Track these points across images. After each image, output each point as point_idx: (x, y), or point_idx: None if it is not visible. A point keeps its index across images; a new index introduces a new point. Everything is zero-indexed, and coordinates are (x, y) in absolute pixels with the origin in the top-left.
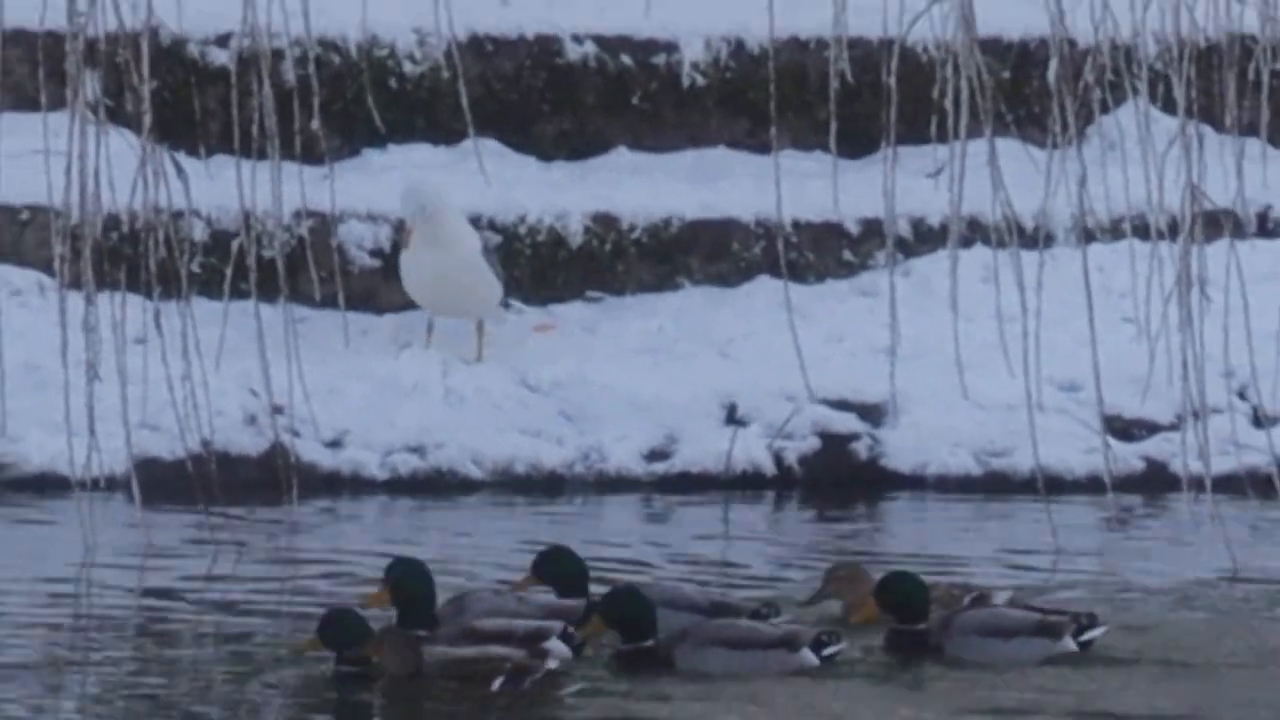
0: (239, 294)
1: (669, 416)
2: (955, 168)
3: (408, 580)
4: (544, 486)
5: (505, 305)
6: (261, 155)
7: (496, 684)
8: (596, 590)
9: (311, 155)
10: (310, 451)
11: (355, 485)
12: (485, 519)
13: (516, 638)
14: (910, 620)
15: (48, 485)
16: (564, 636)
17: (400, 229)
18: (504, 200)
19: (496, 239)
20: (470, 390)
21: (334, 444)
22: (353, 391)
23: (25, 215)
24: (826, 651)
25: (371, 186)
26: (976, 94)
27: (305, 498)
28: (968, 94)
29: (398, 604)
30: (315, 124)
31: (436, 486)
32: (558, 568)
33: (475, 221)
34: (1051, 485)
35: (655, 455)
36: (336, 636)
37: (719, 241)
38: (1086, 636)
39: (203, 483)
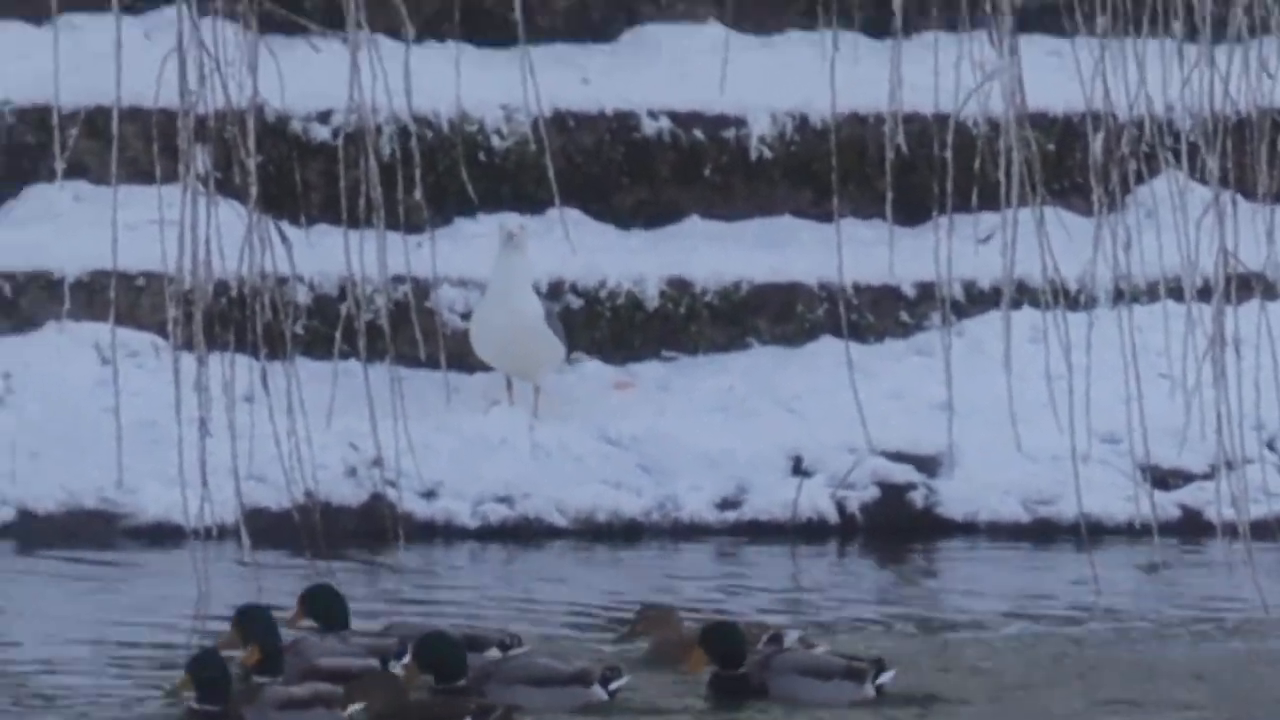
0: (340, 354)
1: (739, 468)
2: (1007, 234)
3: (257, 623)
4: (623, 534)
5: (570, 360)
6: (366, 223)
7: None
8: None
9: (408, 224)
10: (407, 502)
11: (448, 533)
12: (569, 564)
13: (353, 674)
14: (732, 666)
15: (163, 535)
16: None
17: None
18: (585, 266)
19: (556, 306)
20: (554, 444)
21: (429, 494)
22: (445, 446)
23: (141, 281)
24: (613, 686)
25: (463, 253)
26: (1023, 166)
27: (401, 545)
28: (1017, 166)
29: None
30: (417, 194)
31: (523, 534)
32: (321, 604)
33: (558, 286)
34: (1093, 530)
35: (727, 504)
36: (208, 675)
37: (785, 304)
38: (880, 681)
39: (307, 531)
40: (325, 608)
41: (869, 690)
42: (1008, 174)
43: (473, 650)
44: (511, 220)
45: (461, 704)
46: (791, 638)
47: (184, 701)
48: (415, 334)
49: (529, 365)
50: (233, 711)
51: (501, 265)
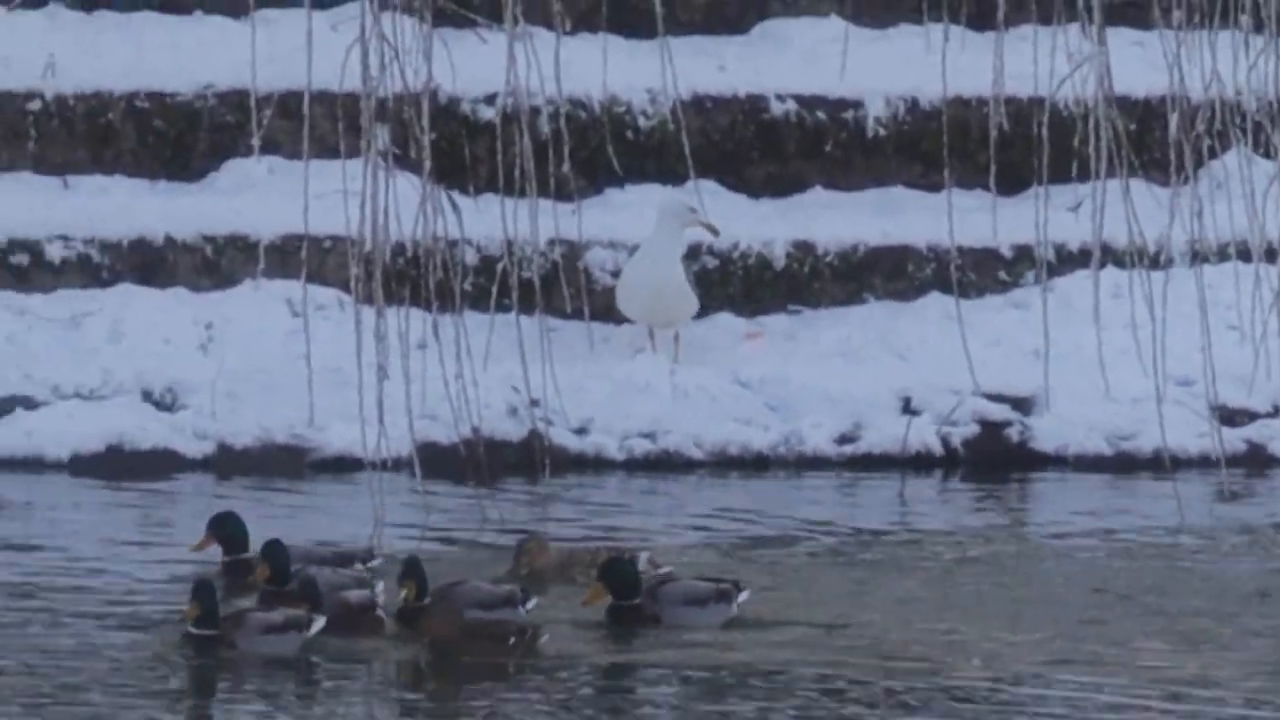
0: (503, 308)
1: (855, 407)
2: (1095, 202)
3: (228, 528)
4: (753, 465)
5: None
6: (522, 194)
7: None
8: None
9: (562, 194)
10: (561, 437)
11: (597, 465)
12: (704, 491)
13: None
14: (628, 597)
15: (344, 466)
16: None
17: (707, 226)
18: (721, 231)
19: (694, 266)
20: (692, 387)
21: (580, 431)
22: (595, 388)
23: (327, 244)
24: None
25: (611, 219)
26: (1110, 143)
27: (556, 476)
28: (1105, 143)
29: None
30: (566, 168)
31: (664, 466)
32: (226, 529)
33: (696, 248)
34: (1172, 463)
35: (844, 439)
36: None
37: (897, 264)
38: (740, 599)
39: (473, 463)
40: (231, 533)
41: (734, 610)
42: (1096, 150)
43: (340, 565)
44: (698, 207)
45: (507, 626)
46: (641, 560)
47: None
48: (566, 290)
49: (670, 317)
50: (225, 636)
51: (661, 232)
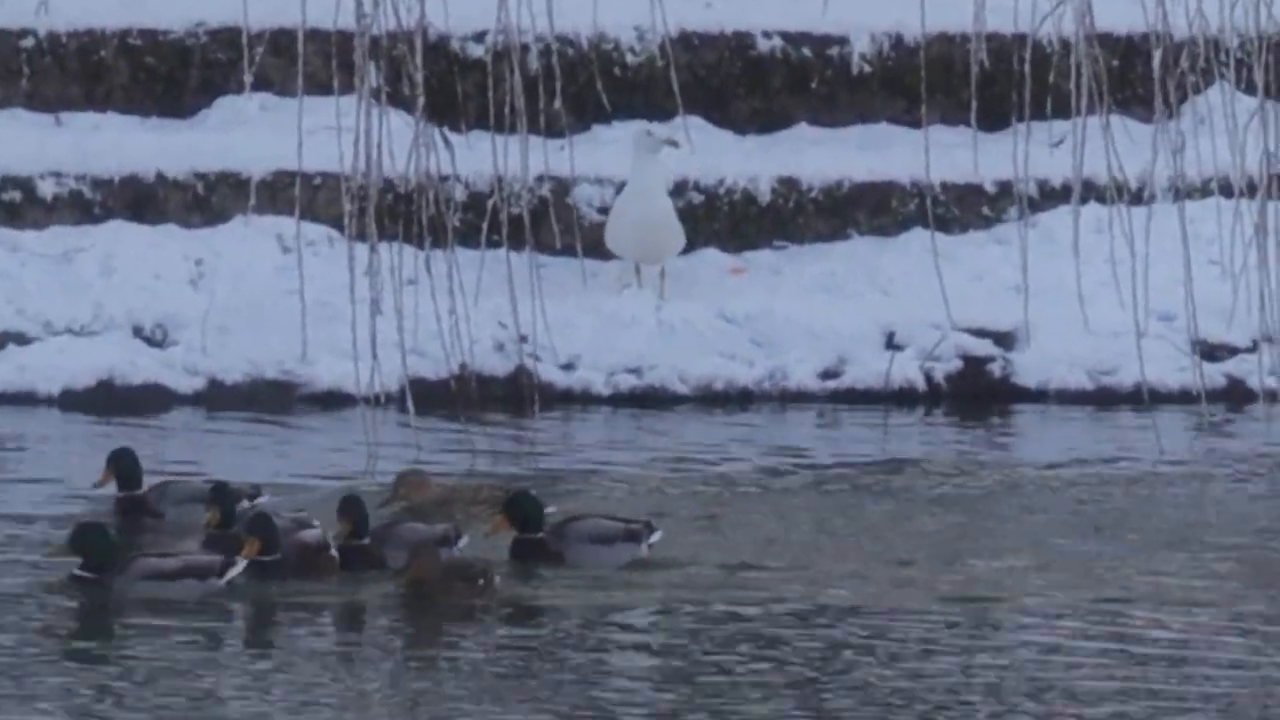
0: (492, 244)
1: (839, 342)
2: (1077, 138)
3: (125, 462)
4: (738, 400)
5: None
6: (512, 130)
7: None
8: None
9: (551, 130)
10: (548, 373)
11: (584, 400)
12: (689, 425)
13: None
14: (532, 531)
15: (334, 401)
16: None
17: (668, 141)
18: (707, 166)
19: (679, 202)
20: (678, 321)
21: (567, 366)
22: (583, 324)
23: (318, 180)
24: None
25: (600, 155)
26: (1091, 79)
27: (543, 411)
28: (1086, 79)
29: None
30: (557, 104)
31: (650, 400)
32: (125, 464)
33: (682, 184)
34: (1150, 397)
35: (828, 374)
36: (84, 548)
37: (881, 199)
38: (651, 540)
39: (462, 398)
40: (128, 469)
41: (643, 550)
42: (1077, 86)
43: (232, 500)
44: (657, 129)
45: (480, 566)
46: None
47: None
48: (556, 226)
49: (659, 252)
50: (107, 580)
51: (639, 166)
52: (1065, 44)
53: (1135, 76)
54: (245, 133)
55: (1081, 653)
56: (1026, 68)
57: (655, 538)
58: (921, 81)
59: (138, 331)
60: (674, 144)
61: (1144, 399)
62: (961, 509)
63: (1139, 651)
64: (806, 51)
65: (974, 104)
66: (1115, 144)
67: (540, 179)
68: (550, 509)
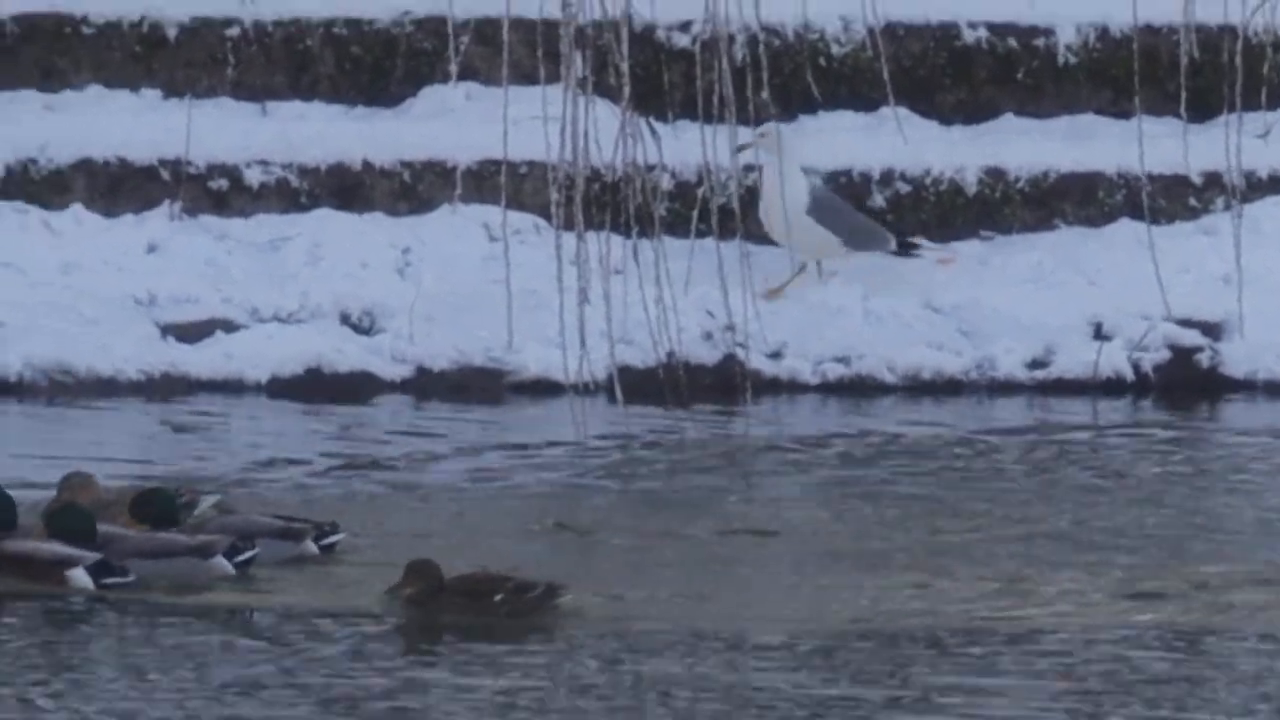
0: (700, 233)
1: (1047, 333)
2: None
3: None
4: (945, 389)
5: (905, 249)
6: (719, 119)
7: None
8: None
9: (756, 120)
10: (756, 361)
11: (791, 388)
12: (895, 414)
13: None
14: (163, 526)
15: (541, 390)
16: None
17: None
18: (913, 157)
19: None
20: (885, 311)
21: (775, 355)
22: (790, 313)
23: (524, 169)
24: (239, 558)
25: (805, 145)
26: None
27: (752, 399)
28: None
29: None
30: (764, 94)
31: (857, 389)
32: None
33: (889, 174)
34: None
35: (1036, 364)
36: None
37: (1088, 190)
38: (328, 541)
39: (670, 386)
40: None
41: (310, 548)
42: None
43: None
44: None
45: (499, 581)
46: (208, 503)
47: None
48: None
49: (801, 249)
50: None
51: (768, 164)
52: (1273, 34)
53: None
54: (451, 122)
55: None
56: (1237, 59)
57: (338, 538)
58: (1131, 73)
59: (345, 319)
60: (749, 145)
61: None
62: (1176, 500)
63: None
64: (1012, 42)
65: (1183, 95)
66: None
67: (748, 169)
68: (209, 503)
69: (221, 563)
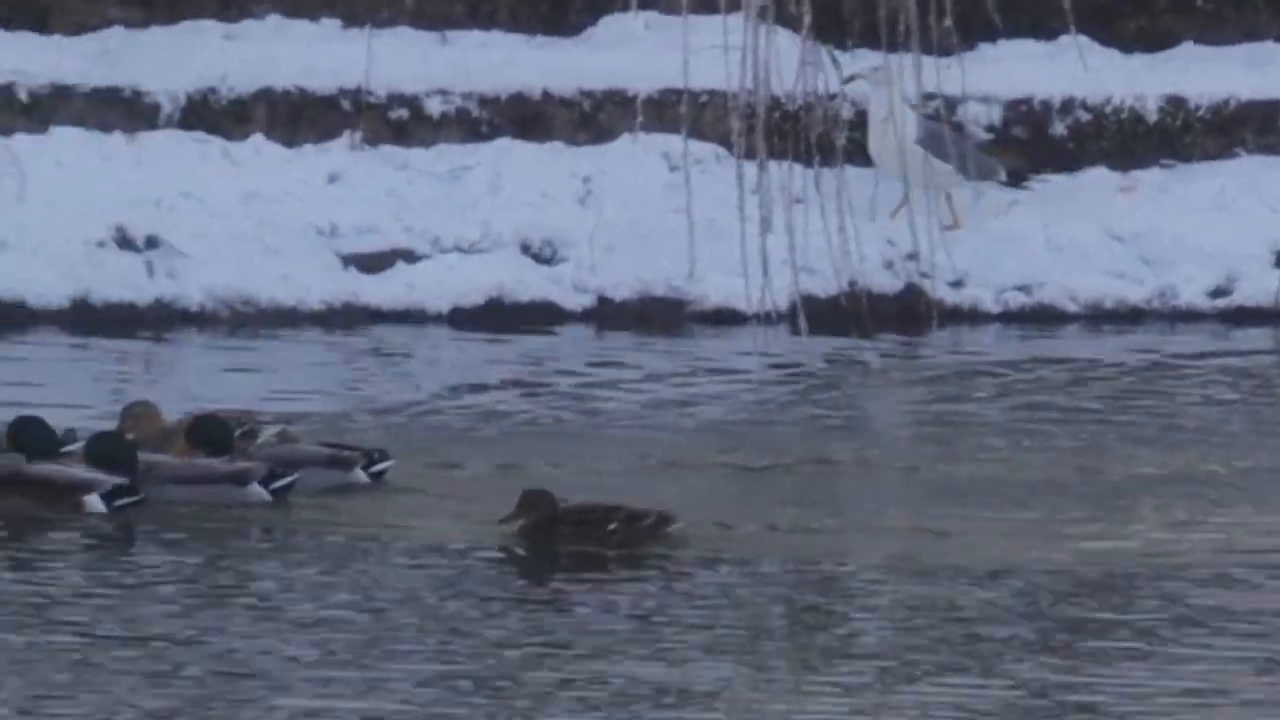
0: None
1: (1228, 261)
2: None
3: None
4: (1126, 318)
5: (1015, 180)
6: (900, 48)
7: None
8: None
9: (938, 48)
10: (938, 290)
11: (973, 317)
12: (1077, 343)
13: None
14: (218, 452)
15: (723, 318)
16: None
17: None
18: (1094, 85)
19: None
20: (1066, 240)
21: (956, 284)
22: (970, 241)
23: (704, 98)
24: (275, 485)
25: (985, 75)
26: None
27: (933, 328)
28: None
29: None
30: (946, 22)
31: (1039, 318)
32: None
33: (1069, 103)
34: None
35: (1218, 292)
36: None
37: (1269, 118)
38: (377, 469)
39: (853, 315)
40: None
41: (359, 476)
42: None
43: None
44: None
45: (612, 511)
46: (270, 432)
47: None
48: (950, 148)
49: (913, 179)
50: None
51: (874, 97)
52: None
53: None
54: (631, 51)
55: None
56: None
57: (386, 465)
58: None
59: (526, 249)
60: (852, 79)
61: None
62: None
63: None
64: None
65: None
66: None
67: (929, 97)
68: (271, 433)
69: (257, 489)
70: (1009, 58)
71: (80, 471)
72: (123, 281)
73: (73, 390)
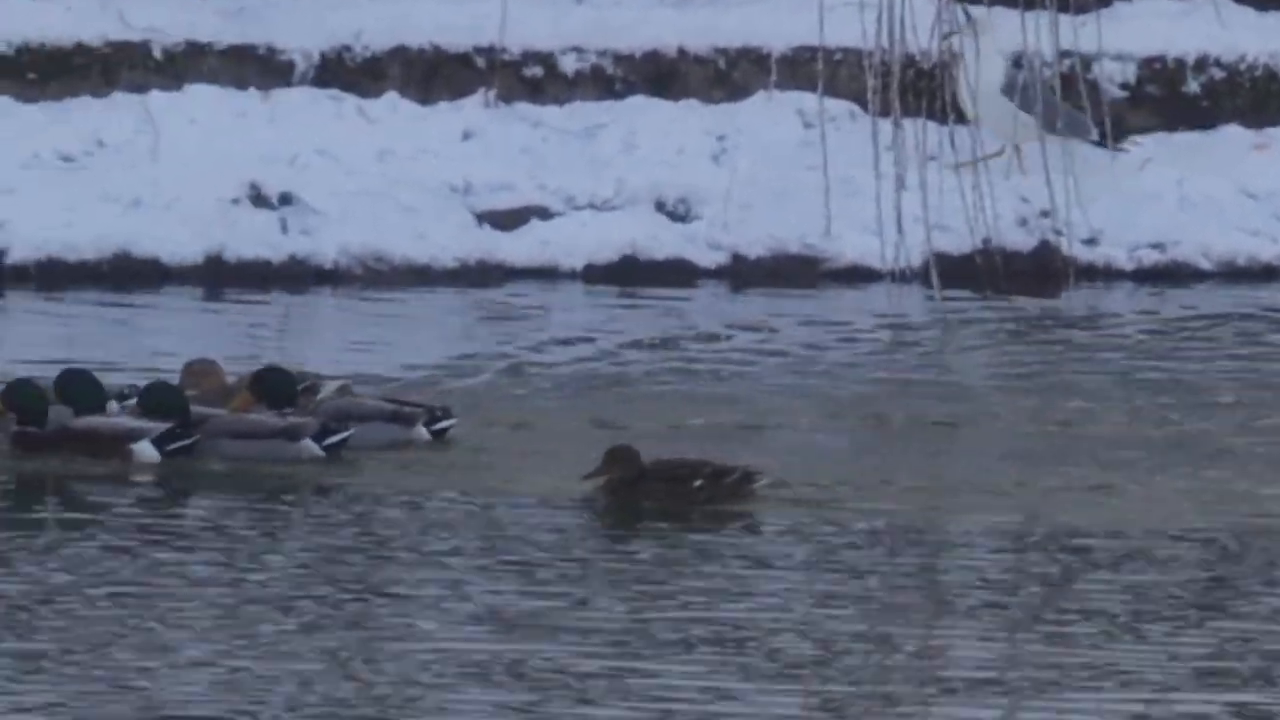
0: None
1: None
2: None
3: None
4: (1261, 275)
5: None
6: (1036, 6)
7: None
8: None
9: (1074, 6)
10: (1071, 248)
11: (1107, 275)
12: (1208, 299)
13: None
14: (280, 405)
15: (857, 276)
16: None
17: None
18: (1228, 43)
19: (1025, 79)
20: (1199, 198)
21: (1090, 241)
22: (1104, 199)
23: (839, 56)
24: (329, 441)
25: (1120, 32)
26: None
27: (1067, 285)
28: None
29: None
30: None
31: (1172, 275)
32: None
33: (1203, 60)
34: None
35: None
36: (18, 403)
37: None
38: (439, 426)
39: (987, 272)
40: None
41: (421, 433)
42: None
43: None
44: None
45: (698, 466)
46: (332, 388)
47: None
48: (1081, 103)
49: (997, 129)
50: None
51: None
52: None
53: None
54: (765, 8)
55: None
56: None
57: (449, 423)
58: None
59: (660, 206)
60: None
61: None
62: None
63: None
64: None
65: None
66: None
67: (1064, 54)
68: (331, 389)
69: (309, 445)
70: (1144, 15)
71: (128, 421)
72: (257, 239)
73: (205, 346)
